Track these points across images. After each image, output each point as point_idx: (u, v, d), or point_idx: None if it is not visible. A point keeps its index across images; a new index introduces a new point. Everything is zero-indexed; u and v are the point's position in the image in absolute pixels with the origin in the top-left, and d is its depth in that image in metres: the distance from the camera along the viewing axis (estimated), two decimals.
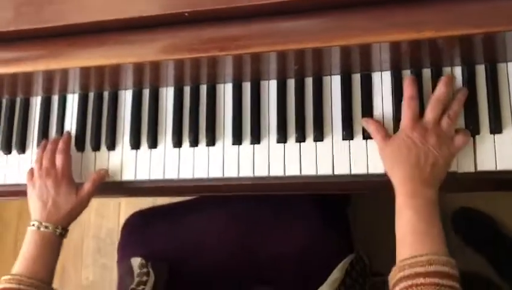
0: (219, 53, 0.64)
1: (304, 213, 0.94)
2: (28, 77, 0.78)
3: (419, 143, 0.69)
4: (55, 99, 0.92)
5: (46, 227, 0.81)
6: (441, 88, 0.73)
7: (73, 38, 0.68)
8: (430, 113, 0.72)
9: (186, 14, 0.64)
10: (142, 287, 0.86)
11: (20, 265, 0.79)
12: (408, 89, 0.74)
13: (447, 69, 0.78)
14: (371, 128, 0.76)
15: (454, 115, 0.72)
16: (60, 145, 0.87)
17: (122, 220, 1.80)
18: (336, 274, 0.86)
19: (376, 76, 0.80)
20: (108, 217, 1.75)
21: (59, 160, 0.85)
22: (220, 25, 0.64)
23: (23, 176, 0.91)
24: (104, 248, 1.74)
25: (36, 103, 0.93)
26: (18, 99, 0.94)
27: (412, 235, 0.65)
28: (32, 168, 0.89)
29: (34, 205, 0.85)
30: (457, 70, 0.78)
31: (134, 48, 0.66)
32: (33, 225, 0.82)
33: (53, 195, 0.83)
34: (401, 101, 0.77)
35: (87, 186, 0.85)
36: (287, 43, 0.63)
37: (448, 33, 0.59)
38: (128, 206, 1.74)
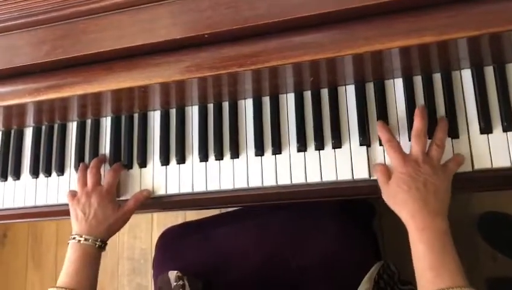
0: (238, 69, 0.69)
1: (331, 223, 0.96)
2: (65, 102, 0.85)
3: (415, 176, 0.72)
4: (89, 123, 0.99)
5: (86, 239, 0.85)
6: (417, 122, 0.76)
7: (105, 64, 0.75)
8: (416, 147, 0.75)
9: (206, 35, 0.70)
10: None
11: (63, 277, 0.84)
12: (385, 135, 0.78)
13: (455, 73, 0.82)
14: (377, 173, 0.79)
15: (440, 141, 0.76)
16: (114, 166, 0.94)
17: (154, 241, 1.86)
18: (365, 285, 0.87)
19: (388, 83, 0.84)
20: (141, 238, 1.81)
21: (109, 177, 0.91)
22: (237, 43, 0.70)
23: (62, 196, 0.98)
24: (138, 268, 1.79)
25: (72, 127, 1.01)
26: (56, 126, 1.01)
27: (429, 271, 0.66)
28: (72, 190, 0.94)
29: (76, 218, 0.89)
30: (467, 73, 0.82)
31: (161, 69, 0.72)
32: (74, 237, 0.86)
33: (95, 209, 0.88)
34: (414, 105, 0.82)
35: (129, 203, 0.91)
36: (299, 56, 0.68)
37: (447, 37, 0.63)
38: (159, 227, 1.79)
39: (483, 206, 1.48)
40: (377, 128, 0.81)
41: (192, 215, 1.67)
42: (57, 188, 0.99)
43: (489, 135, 0.79)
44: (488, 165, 0.78)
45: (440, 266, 0.66)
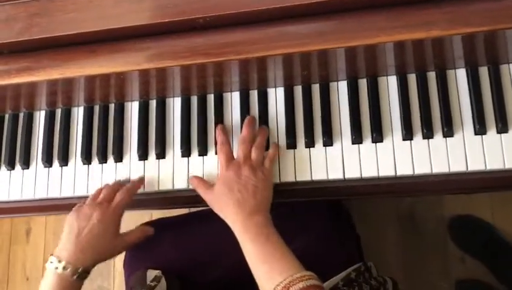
0: (235, 57, 0.64)
1: (319, 224, 0.93)
2: (37, 88, 0.78)
3: (236, 178, 0.75)
4: (59, 113, 0.91)
5: (64, 268, 0.73)
6: (244, 130, 0.81)
7: (87, 46, 0.68)
8: (239, 151, 0.79)
9: (200, 20, 0.64)
10: None
11: None
12: (219, 137, 0.82)
13: (451, 72, 0.81)
14: (194, 184, 0.81)
15: (259, 145, 0.79)
16: (129, 185, 0.84)
17: None
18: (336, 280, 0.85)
19: (382, 80, 0.82)
20: None
21: (119, 196, 0.81)
22: (234, 29, 0.65)
23: (26, 192, 0.90)
24: (99, 269, 1.69)
25: (40, 117, 0.92)
26: (21, 114, 0.93)
27: (262, 265, 0.69)
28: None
29: (68, 230, 0.78)
30: (462, 72, 0.80)
31: (149, 54, 0.66)
32: (51, 262, 0.74)
33: (94, 223, 0.77)
34: (408, 103, 0.80)
35: (130, 238, 0.84)
36: (302, 45, 0.64)
37: (455, 32, 0.61)
38: (123, 225, 1.70)
39: (454, 209, 1.49)
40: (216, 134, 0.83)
41: (158, 214, 1.60)
42: (20, 183, 0.91)
43: (483, 136, 0.78)
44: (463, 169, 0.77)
45: (270, 258, 0.69)
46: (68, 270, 0.73)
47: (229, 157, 0.79)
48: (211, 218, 1.00)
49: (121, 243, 0.82)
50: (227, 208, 0.75)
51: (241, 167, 0.76)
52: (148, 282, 0.90)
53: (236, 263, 0.93)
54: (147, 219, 1.66)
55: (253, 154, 0.78)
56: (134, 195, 0.84)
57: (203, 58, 0.64)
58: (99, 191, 0.83)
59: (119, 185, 0.84)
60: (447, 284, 1.47)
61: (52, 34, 0.67)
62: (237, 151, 0.80)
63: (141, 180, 0.86)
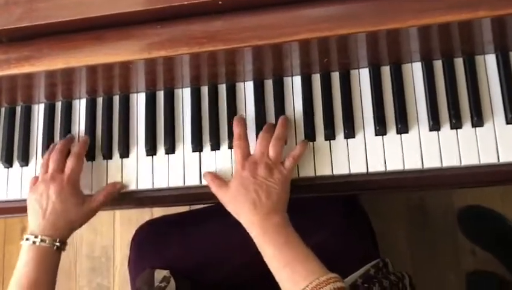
0: (257, 42, 0.59)
1: (336, 219, 0.90)
2: (33, 78, 0.72)
3: (252, 179, 0.71)
4: (59, 106, 0.86)
5: (42, 240, 0.73)
6: (265, 126, 0.77)
7: (93, 33, 0.62)
8: (257, 147, 0.75)
9: (220, 2, 0.59)
10: None
11: (15, 287, 0.71)
12: (236, 129, 0.76)
13: (479, 57, 0.76)
14: (208, 180, 0.77)
15: (278, 138, 0.75)
16: (75, 148, 0.80)
17: (117, 237, 1.73)
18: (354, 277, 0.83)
19: (406, 67, 0.77)
20: (102, 233, 1.67)
21: (69, 163, 0.78)
22: (256, 12, 0.60)
23: (27, 191, 0.84)
24: (98, 267, 1.65)
25: (39, 110, 0.87)
26: (19, 108, 0.87)
27: (284, 269, 0.66)
28: (36, 176, 0.82)
29: (33, 212, 0.77)
30: (491, 58, 0.76)
31: (162, 40, 0.60)
32: (27, 239, 0.73)
33: (54, 201, 0.75)
34: (435, 90, 0.76)
35: (98, 197, 0.80)
36: (331, 29, 0.58)
37: (503, 12, 0.56)
38: (123, 221, 1.66)
39: (464, 200, 1.46)
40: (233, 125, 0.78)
41: (159, 210, 1.55)
42: (20, 181, 0.85)
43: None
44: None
45: (291, 260, 0.66)
46: (46, 242, 0.73)
47: (246, 154, 0.75)
48: (216, 215, 0.97)
49: (88, 209, 0.79)
50: (243, 209, 0.71)
51: (257, 166, 0.72)
52: (156, 283, 0.86)
53: (244, 262, 0.90)
54: (147, 217, 1.61)
55: (271, 151, 0.74)
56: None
57: (222, 44, 0.59)
58: (47, 160, 0.80)
59: (63, 146, 0.81)
60: (457, 277, 1.44)
61: (55, 19, 0.61)
62: (255, 146, 0.75)
63: (85, 138, 0.83)
